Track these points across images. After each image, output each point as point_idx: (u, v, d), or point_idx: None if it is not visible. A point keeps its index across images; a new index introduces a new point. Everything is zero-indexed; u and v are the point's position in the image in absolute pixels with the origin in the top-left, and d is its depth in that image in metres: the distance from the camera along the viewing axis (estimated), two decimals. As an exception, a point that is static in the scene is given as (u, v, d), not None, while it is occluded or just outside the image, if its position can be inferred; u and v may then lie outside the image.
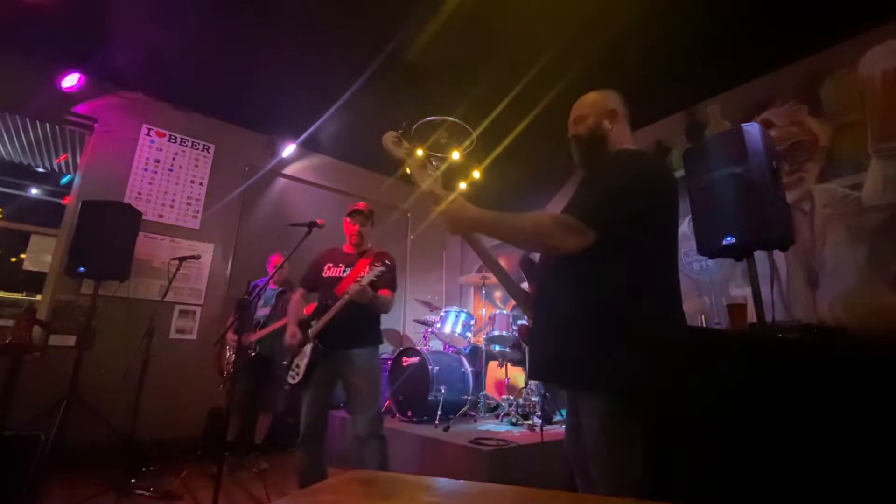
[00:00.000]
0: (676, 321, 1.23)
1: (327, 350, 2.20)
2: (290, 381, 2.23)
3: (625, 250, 1.16)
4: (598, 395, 1.14)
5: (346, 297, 2.14)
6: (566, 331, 1.23)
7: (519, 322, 3.64)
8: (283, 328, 3.25)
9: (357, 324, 2.21)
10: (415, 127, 1.55)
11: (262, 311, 3.41)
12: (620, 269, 1.17)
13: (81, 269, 3.06)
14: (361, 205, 2.46)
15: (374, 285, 2.18)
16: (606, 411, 1.12)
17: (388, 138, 1.48)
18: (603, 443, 1.13)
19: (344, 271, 2.31)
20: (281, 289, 3.53)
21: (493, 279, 4.04)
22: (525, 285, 1.52)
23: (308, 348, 2.21)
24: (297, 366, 2.23)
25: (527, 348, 3.35)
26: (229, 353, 3.27)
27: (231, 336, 3.18)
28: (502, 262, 1.47)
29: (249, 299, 3.31)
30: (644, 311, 1.16)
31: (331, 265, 2.40)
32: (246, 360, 3.17)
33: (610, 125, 1.36)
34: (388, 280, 2.30)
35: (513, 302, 1.64)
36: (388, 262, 2.23)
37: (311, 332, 2.23)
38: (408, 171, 1.42)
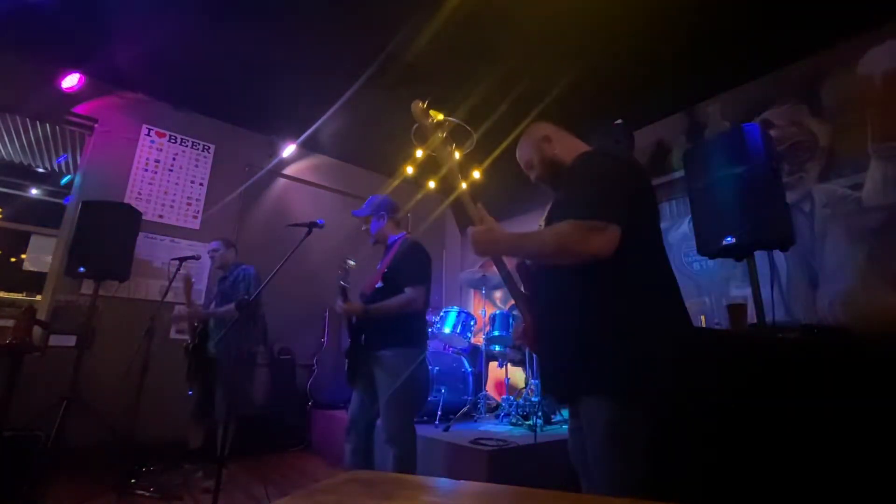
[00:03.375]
0: (678, 319, 1.21)
1: (364, 348, 2.14)
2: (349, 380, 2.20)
3: (620, 247, 1.11)
4: (597, 398, 1.13)
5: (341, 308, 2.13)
6: (564, 336, 1.21)
7: (514, 323, 3.63)
8: (228, 319, 3.01)
9: (383, 324, 2.10)
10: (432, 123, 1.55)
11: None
12: (618, 267, 1.14)
13: (81, 269, 3.05)
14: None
15: (389, 279, 2.14)
16: (606, 415, 1.11)
17: (417, 107, 1.49)
18: (604, 446, 1.11)
19: (379, 266, 2.32)
20: (223, 274, 3.35)
21: (492, 280, 4.04)
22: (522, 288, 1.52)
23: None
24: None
25: (531, 353, 3.35)
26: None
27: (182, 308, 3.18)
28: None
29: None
30: (643, 311, 1.14)
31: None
32: (195, 363, 3.08)
33: (553, 148, 1.39)
34: (407, 274, 2.15)
35: (512, 301, 1.64)
36: (349, 262, 2.18)
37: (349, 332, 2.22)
38: (426, 146, 1.43)
